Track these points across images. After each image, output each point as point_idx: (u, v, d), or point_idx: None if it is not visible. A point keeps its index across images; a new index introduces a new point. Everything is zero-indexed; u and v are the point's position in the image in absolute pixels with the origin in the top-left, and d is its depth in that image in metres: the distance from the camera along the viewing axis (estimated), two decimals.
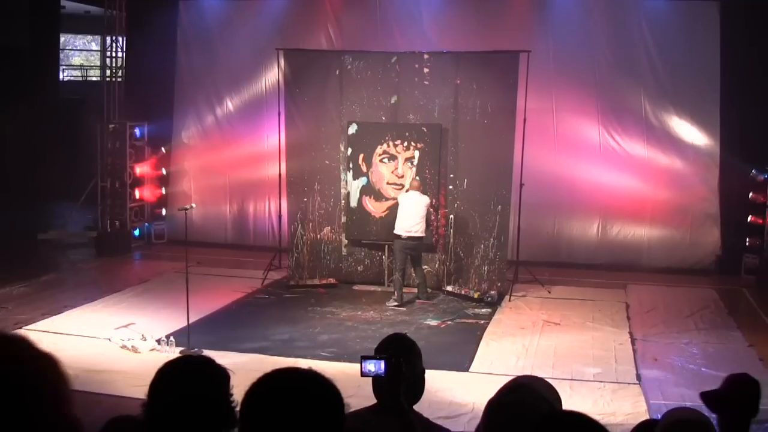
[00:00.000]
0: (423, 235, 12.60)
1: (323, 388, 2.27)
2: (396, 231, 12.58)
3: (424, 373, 3.79)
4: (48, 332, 10.64)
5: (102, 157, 16.70)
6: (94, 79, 27.48)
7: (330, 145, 13.79)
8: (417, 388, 3.75)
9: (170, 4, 17.07)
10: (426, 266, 13.56)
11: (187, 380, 2.66)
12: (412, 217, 12.48)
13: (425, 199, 12.63)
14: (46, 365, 2.25)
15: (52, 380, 2.22)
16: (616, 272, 14.59)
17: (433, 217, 13.19)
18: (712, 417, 3.92)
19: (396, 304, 12.38)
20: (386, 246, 13.48)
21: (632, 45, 15.11)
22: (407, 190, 12.96)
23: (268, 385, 2.27)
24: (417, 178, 13.06)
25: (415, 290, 13.01)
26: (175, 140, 17.39)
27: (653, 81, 15.05)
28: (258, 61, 16.29)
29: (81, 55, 30.98)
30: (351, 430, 2.38)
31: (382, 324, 11.51)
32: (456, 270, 13.31)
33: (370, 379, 3.50)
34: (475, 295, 12.78)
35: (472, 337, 10.94)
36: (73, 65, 30.10)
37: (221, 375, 2.71)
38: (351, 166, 13.57)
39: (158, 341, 10.05)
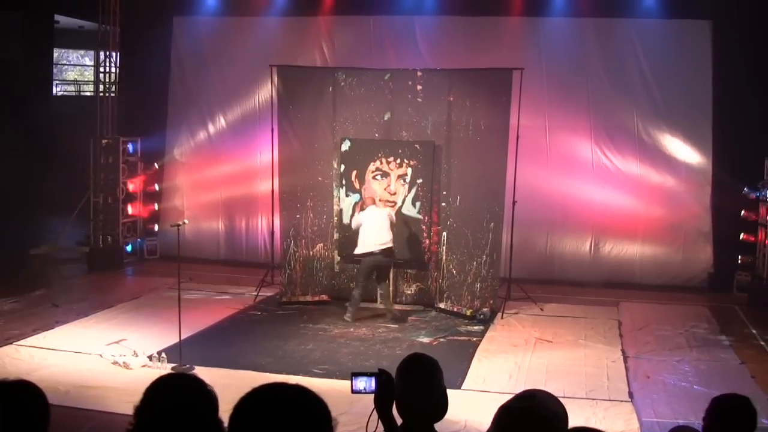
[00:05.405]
0: (392, 245, 12.57)
1: (311, 402, 2.27)
2: (365, 249, 12.45)
3: (445, 391, 3.77)
4: (39, 348, 10.62)
5: (95, 173, 16.69)
6: (87, 94, 27.51)
7: (323, 161, 13.79)
8: (439, 407, 3.73)
9: (164, 19, 17.09)
10: (418, 283, 13.58)
11: (175, 398, 2.65)
12: (378, 230, 12.41)
13: (386, 211, 12.70)
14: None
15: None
16: (609, 290, 14.61)
17: (425, 235, 13.23)
18: None
19: (350, 318, 12.39)
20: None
21: (625, 63, 15.18)
22: (362, 208, 12.86)
23: (256, 399, 2.27)
24: (369, 195, 13.06)
25: (409, 308, 13.08)
26: (168, 156, 17.38)
27: (646, 99, 15.10)
28: (251, 78, 16.30)
29: (75, 70, 30.99)
30: None
31: (374, 341, 11.50)
32: (448, 287, 13.28)
33: (362, 396, 3.49)
34: (468, 313, 12.77)
35: (465, 354, 10.92)
36: (67, 80, 30.11)
37: (209, 392, 2.70)
38: (344, 182, 13.57)
39: (150, 357, 10.01)
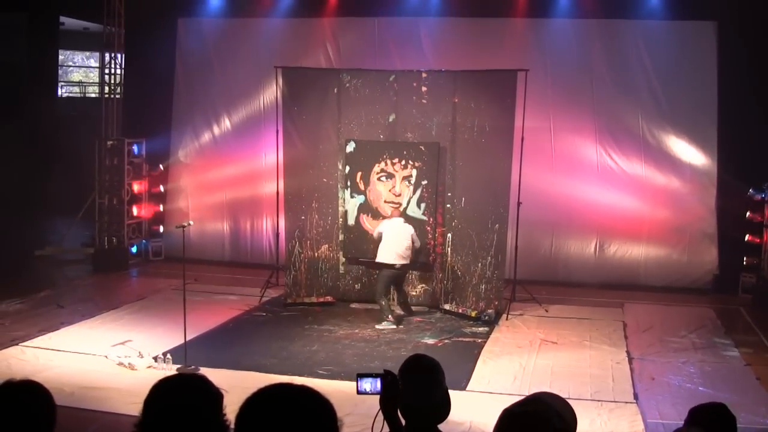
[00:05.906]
0: (410, 261, 12.62)
1: (317, 402, 2.27)
2: (388, 260, 12.42)
3: (447, 392, 3.76)
4: (45, 349, 10.64)
5: (100, 174, 16.70)
6: (92, 95, 27.52)
7: (328, 163, 13.79)
8: (442, 408, 3.73)
9: (169, 21, 17.12)
10: (423, 284, 13.57)
11: (181, 398, 2.65)
12: (400, 244, 12.43)
13: (410, 229, 12.63)
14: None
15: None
16: (614, 291, 14.59)
17: (429, 236, 13.22)
18: None
19: (393, 326, 12.24)
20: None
21: (629, 64, 15.17)
22: (390, 216, 12.87)
23: (262, 399, 2.27)
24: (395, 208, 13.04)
25: (414, 309, 13.06)
26: (173, 157, 17.41)
27: (650, 100, 15.09)
28: (256, 79, 16.32)
29: (80, 72, 31.03)
30: None
31: (379, 342, 11.49)
32: (453, 288, 13.28)
33: (367, 397, 3.49)
34: (473, 314, 12.76)
35: (470, 355, 10.92)
36: (72, 82, 30.14)
37: (215, 393, 2.70)
38: (349, 184, 13.57)
39: (155, 358, 10.03)
